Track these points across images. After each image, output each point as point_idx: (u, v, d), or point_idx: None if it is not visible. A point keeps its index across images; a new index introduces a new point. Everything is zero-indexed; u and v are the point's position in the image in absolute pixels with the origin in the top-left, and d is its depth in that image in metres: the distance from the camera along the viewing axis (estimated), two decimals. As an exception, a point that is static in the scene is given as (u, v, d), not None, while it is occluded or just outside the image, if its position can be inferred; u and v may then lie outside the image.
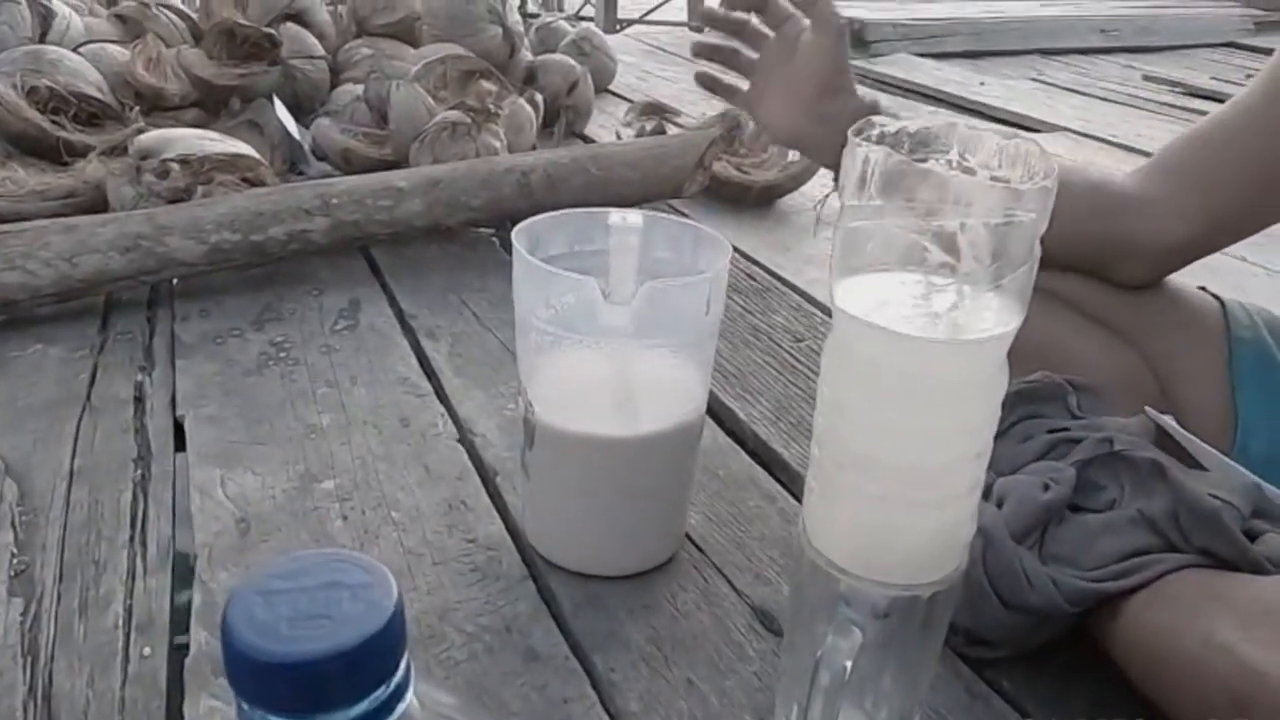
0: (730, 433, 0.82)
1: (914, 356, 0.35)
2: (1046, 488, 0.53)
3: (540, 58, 1.78)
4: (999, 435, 0.58)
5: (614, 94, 2.03)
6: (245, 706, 0.16)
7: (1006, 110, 2.10)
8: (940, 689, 0.54)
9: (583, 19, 5.44)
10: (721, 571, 0.64)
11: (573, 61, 1.75)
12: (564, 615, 0.60)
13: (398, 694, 0.16)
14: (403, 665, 0.17)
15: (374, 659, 0.16)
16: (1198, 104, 2.26)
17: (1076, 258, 0.64)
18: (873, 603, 0.41)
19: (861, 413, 0.37)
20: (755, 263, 1.17)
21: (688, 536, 0.67)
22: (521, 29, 1.79)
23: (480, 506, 0.70)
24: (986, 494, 0.54)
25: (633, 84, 2.14)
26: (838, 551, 0.41)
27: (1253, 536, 0.47)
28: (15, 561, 0.64)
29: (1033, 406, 0.57)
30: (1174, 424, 0.55)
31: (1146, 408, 0.56)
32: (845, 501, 0.40)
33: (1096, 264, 0.66)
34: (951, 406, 0.36)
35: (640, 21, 5.18)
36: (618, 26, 4.69)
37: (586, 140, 1.67)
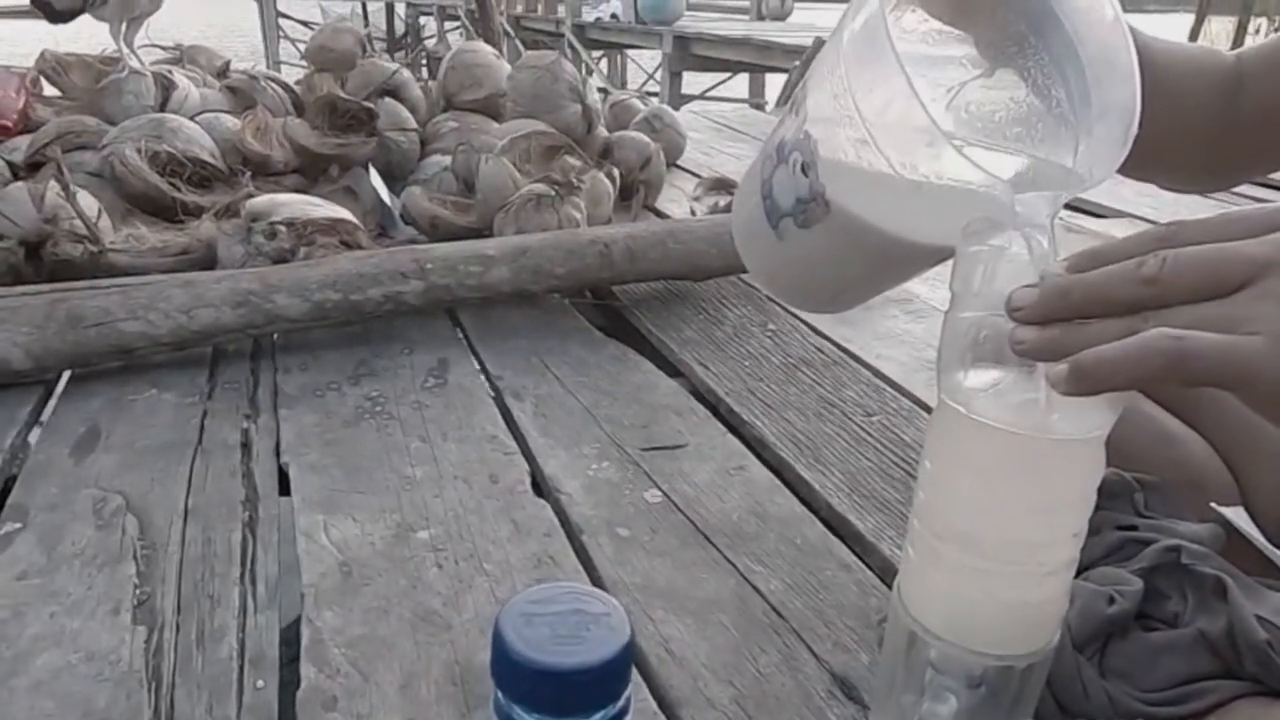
0: (805, 502, 0.84)
1: (1021, 451, 0.37)
2: (1112, 600, 0.55)
3: (616, 134, 1.87)
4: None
5: (682, 169, 2.10)
6: (503, 701, 0.19)
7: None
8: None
9: (648, 94, 5.62)
10: (801, 637, 0.66)
11: (646, 138, 1.83)
12: (651, 672, 0.62)
13: (625, 709, 0.20)
14: (630, 685, 0.20)
15: (614, 676, 0.19)
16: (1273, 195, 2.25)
17: (1186, 141, 0.54)
18: (967, 671, 0.43)
19: (965, 493, 0.40)
20: (825, 337, 1.20)
21: (767, 600, 0.69)
22: (599, 107, 1.88)
23: (567, 563, 0.73)
24: None
25: (700, 159, 2.22)
26: (934, 620, 0.43)
27: None
28: (138, 592, 0.69)
29: (1101, 501, 0.59)
30: (1243, 520, 0.57)
31: (1213, 504, 0.57)
32: (944, 573, 0.42)
33: (1205, 151, 0.56)
34: (1055, 494, 0.38)
35: (702, 98, 5.35)
36: (681, 102, 4.83)
37: (659, 213, 1.73)
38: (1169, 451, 0.62)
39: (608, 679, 0.19)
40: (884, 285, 0.56)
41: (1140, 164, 0.55)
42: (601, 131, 1.87)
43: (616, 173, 1.60)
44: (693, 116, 3.02)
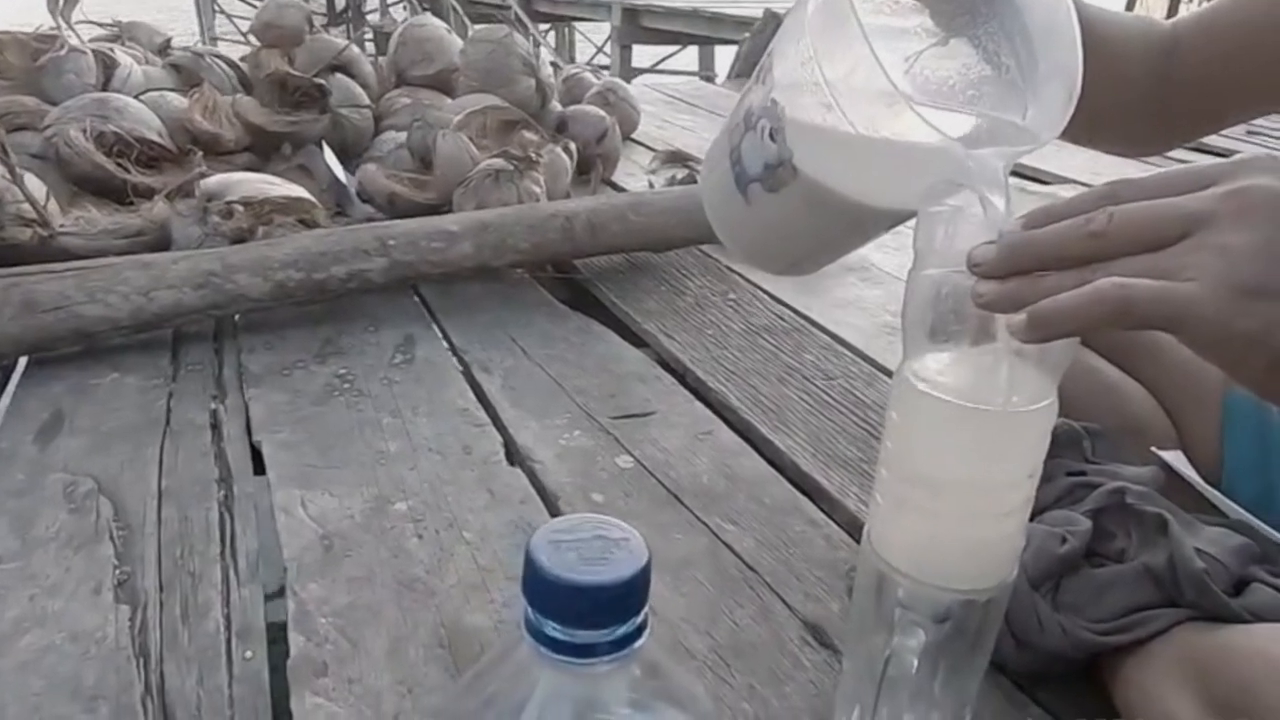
0: (772, 462, 0.87)
1: (977, 422, 0.40)
2: (1064, 540, 0.58)
3: (570, 108, 1.87)
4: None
5: (637, 142, 2.11)
6: (534, 617, 0.21)
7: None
8: (982, 698, 0.59)
9: (599, 67, 5.59)
10: (774, 589, 0.69)
11: (601, 112, 1.84)
12: (632, 626, 0.65)
13: (645, 623, 0.22)
14: (647, 601, 0.22)
15: (637, 591, 0.21)
16: (1203, 159, 2.33)
17: (1127, 105, 0.57)
18: (934, 607, 0.46)
19: (925, 447, 0.43)
20: (785, 305, 1.23)
21: (739, 556, 0.72)
22: (553, 81, 1.88)
23: (545, 528, 0.75)
24: None
25: (654, 133, 2.23)
26: (902, 560, 0.46)
27: (1245, 583, 0.52)
28: (118, 571, 0.69)
29: (1052, 449, 0.63)
30: (1181, 464, 0.61)
31: (1153, 448, 0.62)
32: (909, 516, 0.45)
33: (1145, 114, 0.58)
34: (1010, 452, 0.41)
35: (653, 70, 5.33)
36: (631, 75, 4.82)
37: (617, 187, 1.74)
38: (1114, 401, 0.66)
39: (631, 594, 0.21)
40: (850, 246, 0.58)
41: (1083, 129, 0.58)
42: (556, 105, 1.87)
43: (574, 147, 1.61)
44: (645, 90, 3.02)
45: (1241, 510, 0.59)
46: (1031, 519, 0.62)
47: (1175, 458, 0.62)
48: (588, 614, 0.21)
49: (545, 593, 0.21)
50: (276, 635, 0.64)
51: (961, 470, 0.42)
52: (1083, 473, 0.62)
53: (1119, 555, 0.57)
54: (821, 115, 0.46)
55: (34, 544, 0.72)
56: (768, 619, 0.66)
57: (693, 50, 5.50)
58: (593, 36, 7.36)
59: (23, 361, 1.00)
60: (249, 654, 0.62)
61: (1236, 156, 0.34)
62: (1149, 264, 0.32)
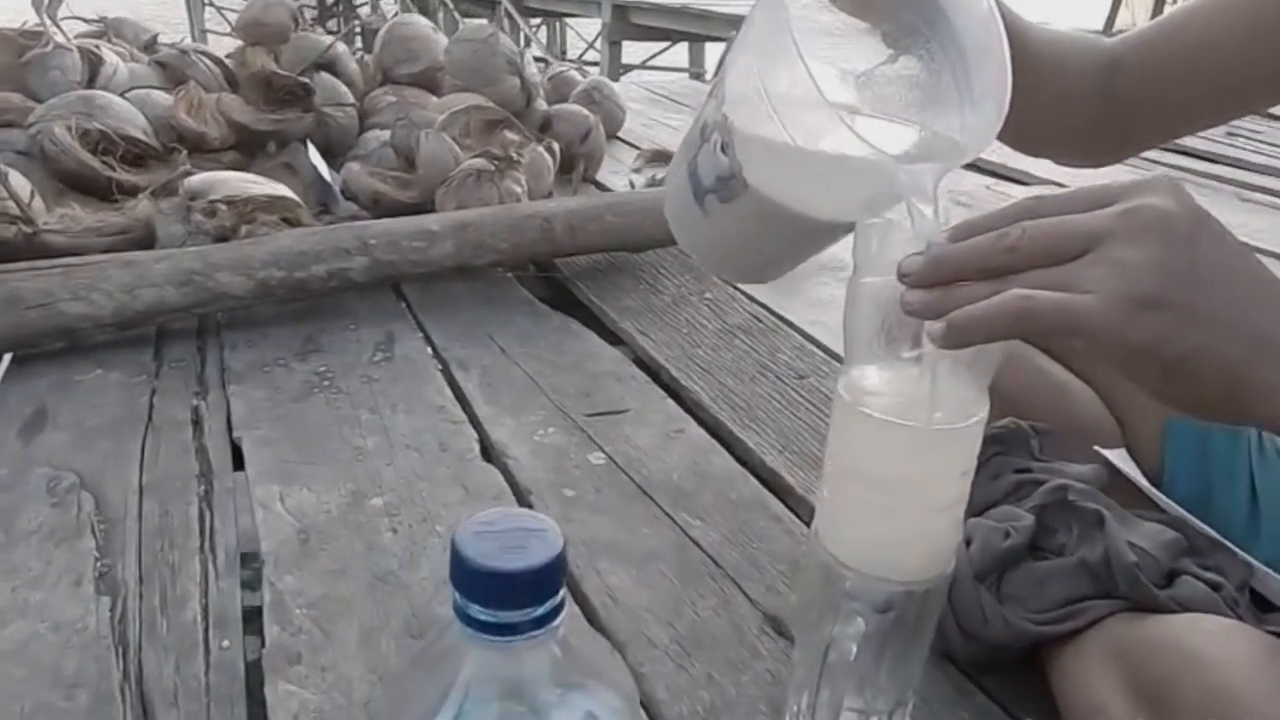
0: (740, 460, 0.89)
1: (909, 438, 0.43)
2: (1007, 535, 0.61)
3: (555, 107, 1.89)
4: (974, 470, 0.66)
5: (623, 140, 2.13)
6: (461, 601, 0.24)
7: (987, 161, 2.18)
8: (932, 686, 0.62)
9: (587, 64, 5.59)
10: (736, 583, 0.71)
11: (586, 111, 1.85)
12: (597, 617, 0.67)
13: (561, 604, 0.24)
14: (564, 585, 0.24)
15: (552, 576, 0.24)
16: (1186, 161, 2.35)
17: (1072, 119, 0.59)
18: (875, 597, 0.48)
19: (859, 448, 0.45)
20: (760, 304, 1.25)
21: (704, 551, 0.75)
22: (538, 80, 1.90)
23: (516, 522, 0.78)
24: None
25: (639, 131, 2.25)
26: (846, 552, 0.48)
27: (1176, 575, 0.55)
28: (99, 564, 0.71)
29: (1000, 447, 0.65)
30: (1124, 462, 0.64)
31: (1096, 448, 0.64)
32: (852, 509, 0.48)
33: (1092, 128, 0.60)
34: (937, 455, 0.44)
35: (642, 67, 5.33)
36: (621, 72, 4.82)
37: (599, 186, 1.76)
38: (1061, 402, 0.69)
39: (547, 578, 0.24)
40: (805, 254, 0.60)
41: (1025, 141, 0.60)
42: (541, 104, 1.89)
43: (556, 146, 1.63)
44: (632, 87, 3.04)
45: (1177, 507, 0.62)
46: (979, 514, 0.65)
47: (1119, 456, 0.65)
48: (508, 597, 0.23)
49: (469, 579, 0.23)
50: (252, 626, 0.66)
51: (894, 471, 0.45)
52: (1029, 470, 0.65)
53: (1060, 550, 0.60)
54: (766, 128, 0.48)
55: (17, 537, 0.74)
56: (729, 610, 0.68)
57: (682, 47, 5.51)
58: (584, 31, 7.36)
59: (7, 358, 1.02)
60: (226, 643, 0.64)
61: (1139, 177, 0.37)
62: (1053, 277, 0.34)
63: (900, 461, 0.44)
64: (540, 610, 0.24)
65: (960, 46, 0.49)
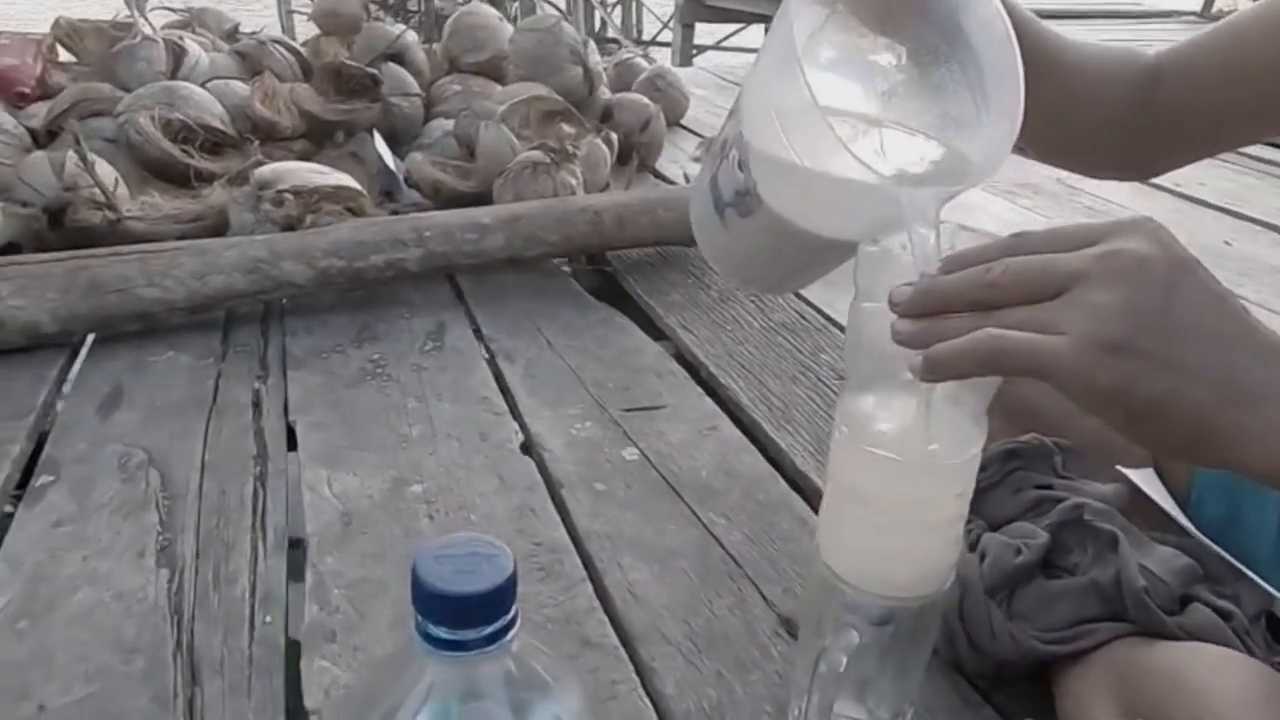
0: (771, 461, 0.90)
1: (895, 469, 0.44)
2: (1019, 552, 0.61)
3: (617, 96, 1.90)
4: (995, 485, 0.67)
5: (685, 128, 2.13)
6: (420, 620, 0.26)
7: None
8: (939, 696, 0.62)
9: (660, 43, 5.55)
10: (754, 583, 0.73)
11: (647, 100, 1.86)
12: (615, 611, 0.69)
13: (512, 622, 0.27)
14: (515, 604, 0.27)
15: (502, 598, 0.26)
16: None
17: (1106, 130, 0.58)
18: (870, 611, 0.49)
19: (860, 466, 0.46)
20: (808, 302, 1.25)
21: (726, 549, 0.76)
22: (601, 69, 1.91)
23: (547, 515, 0.81)
24: (972, 546, 0.62)
25: (703, 119, 2.24)
26: (842, 566, 0.49)
27: (1188, 601, 0.55)
28: (161, 538, 0.77)
29: (1022, 462, 0.65)
30: (1148, 482, 0.63)
31: (1119, 467, 0.64)
32: (848, 525, 0.49)
33: (1125, 141, 0.59)
34: (931, 484, 0.45)
35: (716, 48, 5.28)
36: (694, 53, 4.79)
37: (657, 175, 1.78)
38: (1087, 419, 0.68)
39: (498, 598, 0.26)
40: (822, 270, 0.61)
41: (1054, 153, 0.60)
42: (604, 93, 1.90)
43: (614, 137, 1.64)
44: (700, 74, 3.03)
45: (1197, 531, 0.61)
46: (996, 530, 0.65)
47: (1144, 476, 0.64)
48: (462, 616, 0.26)
49: (427, 600, 0.26)
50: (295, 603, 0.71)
51: (889, 494, 0.46)
52: (1050, 486, 0.64)
53: (1074, 569, 0.60)
54: (776, 147, 0.49)
55: (90, 509, 0.80)
56: (744, 610, 0.70)
57: (757, 28, 5.45)
58: (660, 11, 7.33)
59: (90, 339, 1.09)
60: (269, 619, 0.69)
61: (1121, 218, 0.37)
62: (1029, 315, 0.35)
63: (895, 485, 0.45)
64: (490, 629, 0.26)
65: (979, 67, 0.49)
